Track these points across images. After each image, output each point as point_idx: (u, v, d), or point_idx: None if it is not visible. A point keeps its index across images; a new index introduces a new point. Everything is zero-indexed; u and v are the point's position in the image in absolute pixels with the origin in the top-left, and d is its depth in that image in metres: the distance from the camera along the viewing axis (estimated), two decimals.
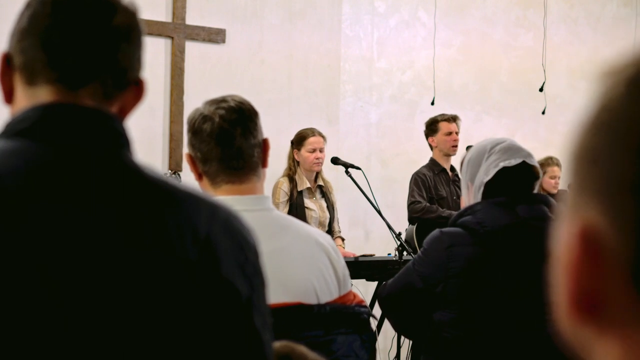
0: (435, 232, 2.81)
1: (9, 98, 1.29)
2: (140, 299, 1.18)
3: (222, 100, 2.16)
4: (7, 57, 1.29)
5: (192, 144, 2.15)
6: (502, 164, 2.75)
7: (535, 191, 2.82)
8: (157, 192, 1.24)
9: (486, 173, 2.77)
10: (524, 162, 2.77)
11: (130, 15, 1.28)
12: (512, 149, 2.79)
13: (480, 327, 2.70)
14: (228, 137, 2.12)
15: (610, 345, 0.52)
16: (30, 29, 1.26)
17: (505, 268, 2.67)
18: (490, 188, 2.76)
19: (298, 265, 2.11)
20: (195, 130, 2.14)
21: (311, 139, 5.49)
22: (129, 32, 1.28)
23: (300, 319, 2.05)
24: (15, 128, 1.23)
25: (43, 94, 1.25)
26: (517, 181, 2.77)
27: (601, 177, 0.52)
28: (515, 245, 2.68)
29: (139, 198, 1.22)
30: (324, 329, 2.08)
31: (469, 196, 2.83)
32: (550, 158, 6.42)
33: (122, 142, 1.26)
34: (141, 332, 1.17)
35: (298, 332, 1.99)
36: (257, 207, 2.12)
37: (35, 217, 1.15)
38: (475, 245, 2.69)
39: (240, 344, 1.26)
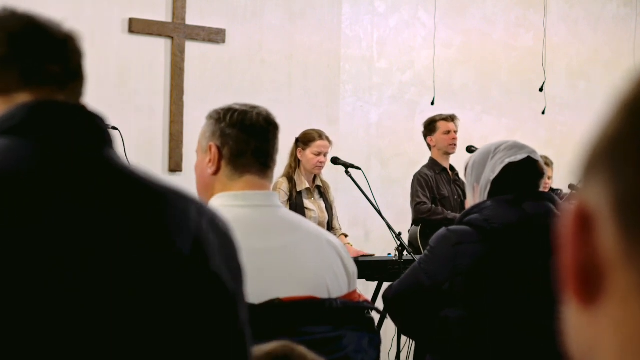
0: (442, 230, 2.81)
1: None
2: (130, 295, 1.19)
3: (253, 105, 2.26)
4: None
5: (224, 134, 2.19)
6: (507, 160, 2.77)
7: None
8: (144, 189, 1.27)
9: (492, 171, 2.79)
10: (529, 157, 2.79)
11: (70, 30, 1.34)
12: (516, 146, 2.83)
13: (487, 324, 2.70)
14: (264, 134, 2.20)
15: (606, 324, 0.52)
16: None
17: (513, 265, 2.67)
18: (497, 186, 2.77)
19: (310, 260, 2.16)
20: (233, 122, 2.19)
21: (319, 142, 5.47)
22: (73, 39, 1.33)
23: (312, 313, 2.09)
24: (3, 126, 1.25)
25: (22, 98, 1.28)
26: (523, 177, 2.78)
27: (608, 146, 0.52)
28: (523, 242, 2.68)
29: (126, 196, 1.24)
30: (334, 324, 2.11)
31: (475, 198, 2.83)
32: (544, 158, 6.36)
33: (105, 139, 1.29)
34: (135, 327, 1.19)
35: (308, 327, 2.04)
36: (270, 203, 2.19)
37: (24, 217, 1.15)
38: (482, 243, 2.69)
39: (228, 337, 1.29)
